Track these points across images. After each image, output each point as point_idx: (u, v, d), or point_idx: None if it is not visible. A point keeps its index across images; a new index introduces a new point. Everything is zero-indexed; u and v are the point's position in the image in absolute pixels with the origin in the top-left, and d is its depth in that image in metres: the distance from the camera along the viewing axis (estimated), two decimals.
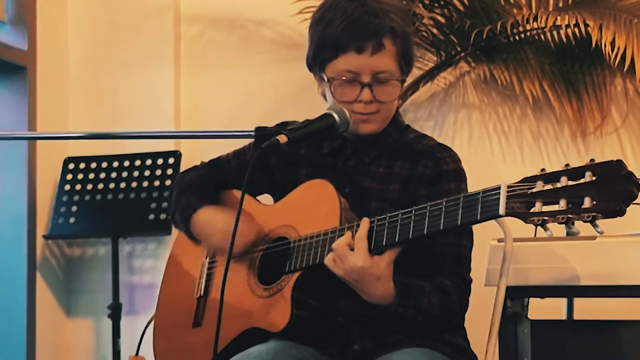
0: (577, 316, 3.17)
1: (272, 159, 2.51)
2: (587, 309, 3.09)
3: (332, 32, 2.33)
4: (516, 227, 2.20)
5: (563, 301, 3.17)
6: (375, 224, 2.16)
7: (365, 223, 2.17)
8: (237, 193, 2.54)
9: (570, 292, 2.68)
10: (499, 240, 2.48)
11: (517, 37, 3.93)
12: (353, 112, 2.33)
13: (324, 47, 2.35)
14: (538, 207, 1.90)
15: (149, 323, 2.73)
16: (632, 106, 3.91)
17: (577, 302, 3.16)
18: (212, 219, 2.47)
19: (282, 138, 2.26)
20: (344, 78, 2.33)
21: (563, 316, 3.17)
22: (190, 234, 2.52)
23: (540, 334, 2.55)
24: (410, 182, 2.35)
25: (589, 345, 2.57)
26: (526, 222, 1.93)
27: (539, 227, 1.92)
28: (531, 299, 2.62)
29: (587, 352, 2.56)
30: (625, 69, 3.69)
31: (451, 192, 2.27)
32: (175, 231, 2.65)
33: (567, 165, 1.90)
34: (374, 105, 2.34)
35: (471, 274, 2.35)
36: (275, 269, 2.34)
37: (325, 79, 2.37)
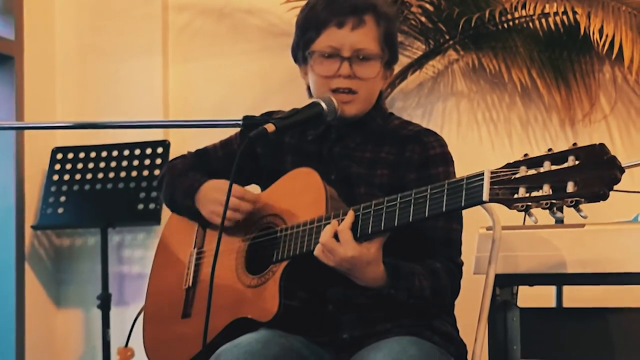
0: (566, 304, 3.17)
1: (258, 148, 2.51)
2: (576, 296, 3.10)
3: (315, 13, 2.38)
4: (505, 214, 2.20)
5: (552, 289, 3.18)
6: (360, 212, 2.16)
7: (350, 216, 2.16)
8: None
9: (559, 279, 2.68)
10: (488, 228, 2.48)
11: (505, 25, 3.92)
12: (332, 89, 2.34)
13: (307, 29, 2.39)
14: (522, 192, 1.90)
15: (139, 314, 2.72)
16: (621, 93, 3.91)
17: (566, 289, 3.17)
18: (222, 182, 2.43)
19: (270, 127, 2.25)
20: (324, 52, 2.35)
21: (552, 304, 3.18)
22: (191, 207, 2.49)
23: (529, 321, 2.55)
24: (399, 167, 2.35)
25: (577, 333, 2.57)
26: (510, 208, 1.93)
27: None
28: (520, 287, 2.61)
29: (576, 339, 2.56)
30: (614, 56, 3.69)
31: (440, 175, 2.29)
32: (164, 221, 2.64)
33: (550, 149, 1.90)
34: (354, 82, 2.35)
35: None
36: (263, 258, 2.34)
37: (307, 55, 2.38)
